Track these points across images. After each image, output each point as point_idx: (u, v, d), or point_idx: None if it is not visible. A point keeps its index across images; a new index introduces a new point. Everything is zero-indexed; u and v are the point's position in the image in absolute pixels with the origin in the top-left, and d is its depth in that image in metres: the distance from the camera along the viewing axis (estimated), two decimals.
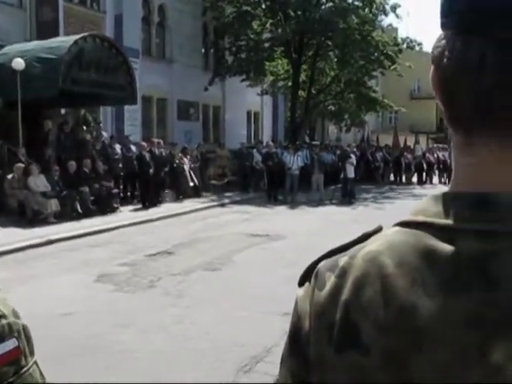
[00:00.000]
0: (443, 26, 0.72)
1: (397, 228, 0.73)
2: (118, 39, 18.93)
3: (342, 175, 19.95)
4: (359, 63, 26.64)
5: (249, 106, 30.36)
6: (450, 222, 0.68)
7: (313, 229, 12.75)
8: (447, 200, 0.70)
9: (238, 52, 26.43)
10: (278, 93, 30.36)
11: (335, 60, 27.69)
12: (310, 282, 0.78)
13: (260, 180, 21.48)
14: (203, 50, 27.46)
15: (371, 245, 0.73)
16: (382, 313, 0.68)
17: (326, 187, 20.52)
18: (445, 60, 0.71)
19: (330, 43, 26.63)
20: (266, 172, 20.40)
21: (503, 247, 0.64)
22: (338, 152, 23.63)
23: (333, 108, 31.98)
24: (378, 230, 0.77)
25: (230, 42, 26.80)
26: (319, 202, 18.71)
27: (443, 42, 0.71)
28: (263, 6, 26.47)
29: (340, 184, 20.23)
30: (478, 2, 0.67)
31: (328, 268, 0.76)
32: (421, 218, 0.71)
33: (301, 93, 28.12)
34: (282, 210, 17.36)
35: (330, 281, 0.74)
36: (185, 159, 19.01)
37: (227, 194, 20.13)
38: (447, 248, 0.66)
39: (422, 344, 0.65)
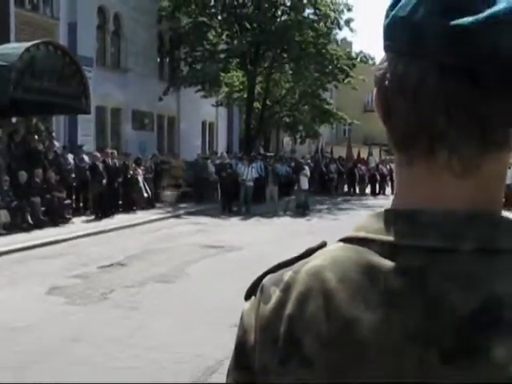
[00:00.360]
0: (386, 48, 0.73)
1: (340, 244, 0.74)
2: (72, 47, 18.70)
3: (296, 187, 20.07)
4: (314, 76, 26.94)
5: (204, 117, 30.35)
6: (390, 238, 0.69)
7: (267, 240, 12.78)
8: (388, 217, 0.72)
9: (193, 63, 26.42)
10: (233, 104, 30.41)
11: (290, 72, 27.95)
12: (255, 295, 0.79)
13: (215, 191, 21.45)
14: (158, 60, 27.33)
15: (315, 260, 0.74)
16: (325, 327, 0.69)
17: (280, 198, 20.66)
18: (386, 82, 0.72)
19: (285, 55, 26.89)
20: (220, 183, 20.39)
21: (440, 262, 0.66)
22: (293, 163, 23.79)
23: (288, 120, 32.22)
24: (322, 245, 0.78)
25: (186, 53, 26.77)
26: (273, 214, 18.79)
27: (385, 64, 0.73)
28: (219, 18, 26.57)
29: (294, 195, 20.37)
30: (419, 27, 0.68)
31: (273, 282, 0.77)
32: (362, 234, 0.72)
33: (256, 104, 28.26)
34: (236, 221, 17.37)
35: (275, 295, 0.75)
36: (139, 170, 18.86)
37: (182, 205, 20.05)
38: (388, 263, 0.68)
39: (363, 357, 0.66)
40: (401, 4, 0.71)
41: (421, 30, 0.68)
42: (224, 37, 26.68)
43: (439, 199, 0.70)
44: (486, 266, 0.66)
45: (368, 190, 29.58)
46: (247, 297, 0.81)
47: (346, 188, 29.59)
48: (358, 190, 29.14)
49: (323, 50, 26.20)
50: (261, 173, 20.93)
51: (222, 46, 26.79)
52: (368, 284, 0.68)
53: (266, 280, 0.79)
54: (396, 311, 0.66)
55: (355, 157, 30.99)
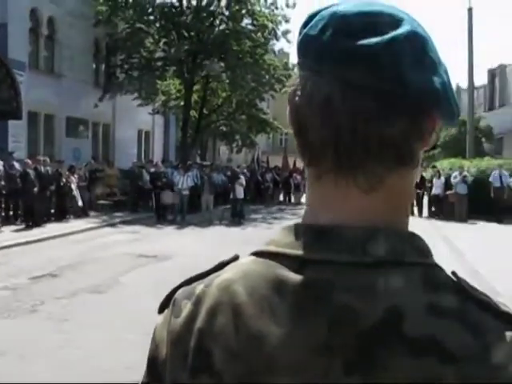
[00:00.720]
0: (298, 65, 0.77)
1: (252, 257, 0.76)
2: (3, 50, 18.21)
3: (231, 196, 20.13)
4: (251, 85, 27.09)
5: (140, 125, 30.05)
6: (299, 252, 0.71)
7: (202, 249, 12.74)
8: (298, 231, 0.74)
9: (129, 70, 26.14)
10: (170, 112, 30.29)
11: (227, 81, 28.03)
12: (168, 309, 0.80)
13: (150, 200, 21.27)
14: (94, 66, 26.88)
15: (226, 273, 0.76)
16: (233, 340, 0.71)
17: (215, 207, 20.66)
18: (297, 98, 0.74)
19: (222, 64, 26.96)
20: (155, 192, 20.23)
21: (345, 276, 0.69)
22: (229, 173, 23.84)
23: (224, 129, 32.33)
24: (235, 258, 0.80)
25: (122, 59, 26.43)
26: (209, 223, 18.78)
27: (297, 81, 0.76)
28: (157, 25, 26.39)
29: (230, 204, 20.41)
30: (327, 46, 0.71)
31: (185, 296, 0.78)
32: (273, 248, 0.74)
33: (192, 113, 28.23)
34: (171, 230, 17.27)
35: (186, 308, 0.76)
36: (72, 178, 18.48)
37: (116, 214, 19.77)
38: (296, 277, 0.70)
39: (271, 370, 0.68)
40: (312, 23, 0.74)
41: (328, 49, 0.71)
42: (161, 44, 26.45)
43: (346, 214, 0.73)
44: (388, 279, 0.69)
45: (303, 199, 29.79)
46: (160, 310, 0.82)
47: (281, 197, 29.81)
48: (293, 199, 29.41)
49: (260, 60, 26.39)
50: (196, 182, 20.89)
51: (159, 54, 26.57)
52: (276, 298, 0.70)
53: (178, 293, 0.80)
54: (302, 324, 0.68)
55: (291, 166, 31.21)
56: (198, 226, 18.09)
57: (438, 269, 0.73)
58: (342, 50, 0.71)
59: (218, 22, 26.62)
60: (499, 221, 19.37)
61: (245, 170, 25.96)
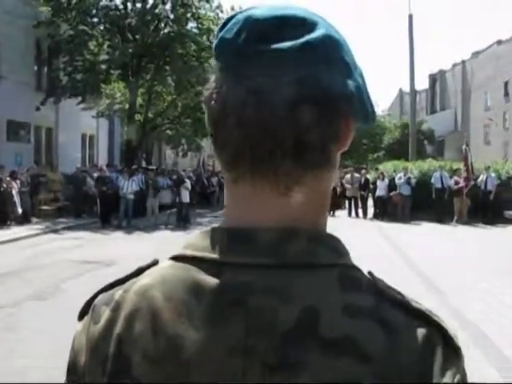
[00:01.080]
0: (215, 68, 0.76)
1: (170, 262, 0.76)
2: None
3: (177, 200, 20.02)
4: (196, 89, 27.00)
5: (84, 129, 29.53)
6: (216, 256, 0.72)
7: (147, 254, 12.46)
8: (215, 234, 0.74)
9: (73, 72, 25.66)
10: (115, 116, 29.89)
11: (173, 84, 27.86)
12: (87, 316, 0.79)
13: (94, 205, 20.93)
14: (36, 68, 26.20)
15: (144, 278, 0.76)
16: (152, 346, 0.70)
17: (161, 212, 20.51)
18: (212, 102, 0.74)
19: (167, 68, 26.79)
20: (99, 197, 19.93)
21: (262, 278, 0.69)
22: (174, 177, 23.69)
23: (170, 132, 32.09)
24: (154, 263, 0.79)
25: (65, 62, 25.91)
26: (154, 227, 18.63)
27: (213, 84, 0.75)
28: (101, 27, 26.01)
29: (175, 209, 20.31)
30: (242, 50, 0.71)
31: (104, 302, 0.77)
32: (190, 252, 0.74)
33: (138, 116, 27.91)
34: (116, 235, 17.05)
35: (105, 315, 0.75)
36: (13, 183, 18.03)
37: (60, 220, 19.40)
38: (212, 281, 0.70)
39: (189, 375, 0.68)
40: (228, 26, 0.74)
41: (242, 53, 0.71)
42: (105, 47, 26.08)
43: (263, 216, 0.73)
44: (304, 280, 0.69)
45: None
46: (80, 317, 0.81)
47: None
48: None
49: (206, 64, 26.35)
50: (142, 186, 20.70)
51: (103, 57, 26.20)
52: (193, 302, 0.70)
53: (98, 299, 0.79)
54: (219, 328, 0.68)
55: None
56: (143, 231, 17.92)
57: (355, 269, 0.74)
58: (256, 53, 0.71)
59: (162, 25, 26.44)
60: (440, 221, 19.87)
61: (191, 174, 25.84)
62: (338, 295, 0.70)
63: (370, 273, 0.75)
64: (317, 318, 0.68)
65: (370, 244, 14.57)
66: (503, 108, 50.44)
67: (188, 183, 20.39)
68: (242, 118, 0.71)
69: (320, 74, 0.71)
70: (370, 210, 22.83)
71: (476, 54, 55.91)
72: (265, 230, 0.72)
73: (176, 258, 0.76)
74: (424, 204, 20.58)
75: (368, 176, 23.93)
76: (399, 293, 0.74)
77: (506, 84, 50.12)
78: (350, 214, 23.41)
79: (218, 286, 0.70)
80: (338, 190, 24.59)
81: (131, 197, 19.46)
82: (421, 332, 0.70)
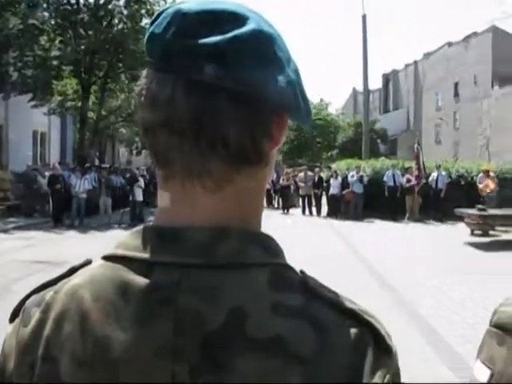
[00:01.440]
0: (148, 64, 0.74)
1: (101, 262, 0.75)
2: None
3: (130, 198, 19.83)
4: None
5: (35, 126, 28.90)
6: (146, 255, 0.70)
7: (100, 253, 12.30)
8: (146, 233, 0.73)
9: (23, 68, 25.08)
10: (67, 113, 29.40)
11: (126, 82, 27.57)
12: (18, 318, 0.77)
13: (46, 204, 20.54)
14: None
15: (76, 279, 0.74)
16: (79, 347, 0.68)
17: (114, 211, 20.26)
18: (142, 98, 0.73)
19: (120, 64, 26.49)
20: (52, 195, 19.57)
21: (191, 278, 0.68)
22: (128, 175, 23.45)
23: (124, 131, 31.76)
24: (86, 263, 0.78)
25: (15, 57, 25.31)
26: (107, 226, 18.40)
27: (144, 80, 0.74)
28: (52, 22, 25.50)
29: (129, 207, 20.10)
30: (170, 45, 0.70)
31: (34, 304, 0.76)
32: (120, 252, 0.73)
33: (90, 114, 27.53)
34: (69, 234, 16.78)
35: (35, 316, 0.74)
36: None
37: (10, 220, 18.97)
38: (142, 281, 0.69)
39: (117, 376, 0.66)
40: (158, 21, 0.73)
41: (171, 48, 0.70)
42: (57, 42, 25.59)
43: (193, 215, 0.72)
44: (234, 280, 0.68)
45: None
46: (11, 319, 0.79)
47: None
48: None
49: None
50: (94, 184, 20.42)
51: (54, 53, 25.69)
52: (122, 302, 0.69)
53: (29, 301, 0.77)
54: (148, 328, 0.67)
55: None
56: (96, 230, 17.68)
57: (287, 268, 0.73)
58: (184, 48, 0.69)
59: (116, 21, 26.12)
60: (393, 219, 20.18)
61: (144, 173, 25.58)
62: (267, 295, 0.68)
63: (302, 272, 0.74)
64: (245, 318, 0.67)
65: (324, 242, 14.71)
66: (453, 108, 51.67)
67: (141, 181, 20.23)
68: (171, 116, 0.70)
69: (249, 70, 0.69)
70: (324, 208, 23.02)
71: (427, 55, 57.10)
72: (195, 229, 0.71)
73: (107, 258, 0.74)
74: (377, 202, 20.85)
75: (322, 174, 24.13)
76: (332, 292, 0.73)
77: (456, 85, 51.36)
78: (303, 212, 23.59)
79: (146, 285, 0.68)
80: (292, 188, 24.78)
81: (84, 195, 19.17)
82: (352, 332, 0.69)
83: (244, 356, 0.65)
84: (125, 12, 25.94)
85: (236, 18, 0.71)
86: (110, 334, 0.68)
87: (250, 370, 0.65)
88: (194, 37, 0.69)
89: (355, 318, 0.71)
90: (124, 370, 0.66)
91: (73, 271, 0.77)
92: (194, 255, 0.69)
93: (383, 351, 0.70)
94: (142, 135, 0.75)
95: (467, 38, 50.00)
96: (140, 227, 0.75)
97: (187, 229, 0.71)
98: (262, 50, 0.71)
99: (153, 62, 0.73)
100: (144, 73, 0.74)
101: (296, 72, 0.75)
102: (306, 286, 0.71)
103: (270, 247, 0.73)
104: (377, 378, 0.68)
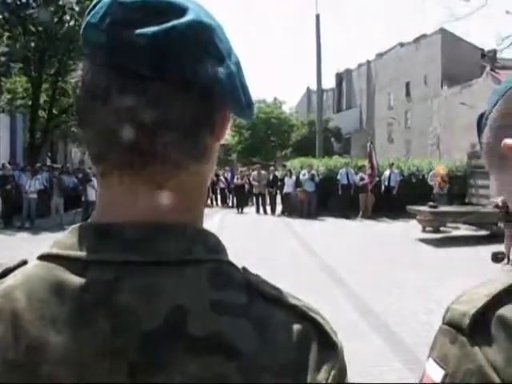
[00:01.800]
0: (83, 56, 0.72)
1: (36, 261, 0.72)
2: None
3: (83, 199, 19.50)
4: None
5: None
6: (81, 253, 0.68)
7: None
8: (82, 231, 0.71)
9: None
10: (17, 112, 28.77)
11: None
12: None
13: None
14: None
15: (10, 279, 0.71)
16: (13, 350, 0.66)
17: (67, 211, 19.92)
18: (77, 90, 0.71)
19: (72, 62, 26.04)
20: (2, 196, 19.10)
21: (129, 276, 0.66)
22: (81, 175, 23.08)
23: (76, 130, 31.25)
24: (22, 263, 0.75)
25: None
26: (60, 227, 18.05)
27: (80, 72, 0.71)
28: (0, 16, 24.89)
29: (81, 208, 19.75)
30: (107, 35, 0.67)
31: None
32: (55, 251, 0.70)
33: (41, 113, 27.02)
34: (20, 236, 16.41)
35: None
36: None
37: None
38: (77, 280, 0.66)
39: (53, 379, 0.64)
40: (94, 10, 0.70)
41: (107, 39, 0.67)
42: (5, 39, 25.00)
43: (132, 212, 0.70)
44: (173, 278, 0.67)
45: None
46: None
47: None
48: None
49: None
50: (46, 184, 20.03)
51: (2, 49, 25.08)
52: (56, 303, 0.66)
53: None
54: (84, 329, 0.65)
55: None
56: (48, 231, 17.31)
57: (228, 265, 0.72)
58: (120, 39, 0.67)
59: (68, 17, 25.64)
60: (347, 216, 20.38)
61: None
62: (207, 293, 0.67)
63: (244, 268, 0.73)
64: (184, 316, 0.65)
65: (278, 240, 14.77)
66: (405, 107, 52.61)
67: (94, 181, 19.89)
68: (106, 110, 0.67)
69: (187, 61, 0.67)
70: (279, 207, 23.12)
71: (380, 55, 57.96)
72: (133, 226, 0.69)
73: (42, 258, 0.71)
74: (330, 200, 21.05)
75: (276, 173, 24.22)
76: (275, 288, 0.72)
77: (407, 85, 52.31)
78: (257, 210, 23.61)
79: (82, 285, 0.66)
80: (246, 186, 24.79)
81: (34, 196, 18.77)
82: (296, 328, 0.69)
83: (184, 354, 0.64)
84: (76, 8, 25.51)
85: (175, 9, 0.69)
86: (45, 336, 0.65)
87: (189, 368, 0.64)
88: (131, 27, 0.66)
89: (299, 314, 0.70)
90: (59, 372, 0.64)
91: (7, 272, 0.74)
92: (132, 253, 0.67)
93: (328, 347, 0.70)
94: (79, 128, 0.73)
95: (418, 40, 50.97)
96: (77, 225, 0.73)
97: (124, 225, 0.69)
98: (201, 41, 0.69)
99: (88, 53, 0.70)
100: (80, 65, 0.72)
101: (237, 64, 0.74)
102: (248, 283, 0.71)
103: (210, 244, 0.72)
104: (322, 374, 0.67)
